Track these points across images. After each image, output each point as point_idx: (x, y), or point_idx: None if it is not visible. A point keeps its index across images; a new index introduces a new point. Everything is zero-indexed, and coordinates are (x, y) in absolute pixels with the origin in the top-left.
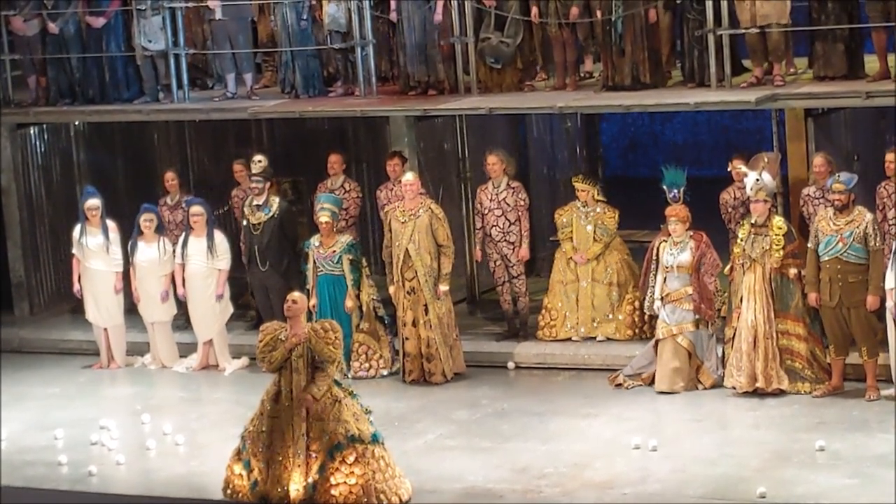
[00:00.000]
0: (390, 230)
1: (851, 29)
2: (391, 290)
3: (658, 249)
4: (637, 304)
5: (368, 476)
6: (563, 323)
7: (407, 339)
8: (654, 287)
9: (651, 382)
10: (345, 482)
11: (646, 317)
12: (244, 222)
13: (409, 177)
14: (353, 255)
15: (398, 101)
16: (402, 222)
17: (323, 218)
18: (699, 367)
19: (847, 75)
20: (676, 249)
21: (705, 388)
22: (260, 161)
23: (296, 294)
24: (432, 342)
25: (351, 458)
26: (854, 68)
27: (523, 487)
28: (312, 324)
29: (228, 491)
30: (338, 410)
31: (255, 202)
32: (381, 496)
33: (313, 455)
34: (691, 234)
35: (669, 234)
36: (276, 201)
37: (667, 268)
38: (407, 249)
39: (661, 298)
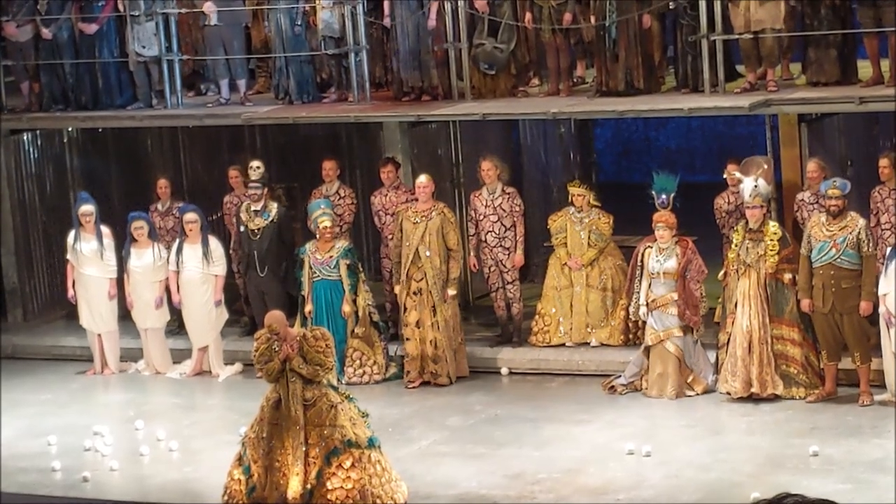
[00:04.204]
0: (401, 230)
1: (844, 35)
2: (397, 289)
3: (643, 255)
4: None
5: (365, 480)
6: (557, 329)
7: (408, 339)
8: (639, 293)
9: (641, 388)
10: (341, 487)
11: (640, 322)
12: (241, 228)
13: (423, 179)
14: (351, 261)
15: (392, 106)
16: (414, 223)
17: (327, 223)
18: (689, 372)
19: (840, 81)
20: (662, 256)
21: (697, 394)
22: (258, 167)
23: (273, 322)
24: (440, 344)
25: (347, 463)
26: (847, 74)
27: (517, 493)
28: (304, 330)
29: (226, 497)
30: (334, 415)
31: (253, 208)
32: (377, 501)
33: (312, 461)
34: (677, 240)
35: (655, 240)
36: (274, 207)
37: (652, 274)
38: (417, 251)
39: (647, 304)
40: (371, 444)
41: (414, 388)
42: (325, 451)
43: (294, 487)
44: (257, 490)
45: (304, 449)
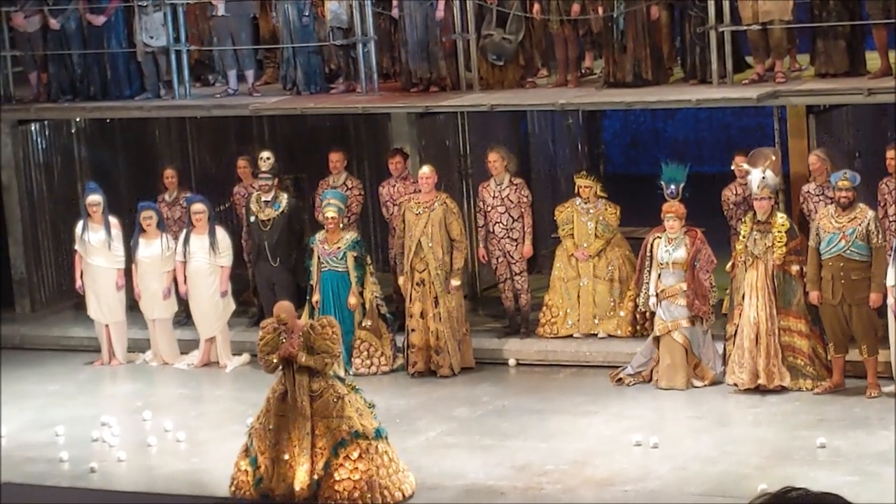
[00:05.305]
0: (403, 221)
1: (853, 26)
2: (401, 280)
3: (652, 246)
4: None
5: (372, 472)
6: (564, 320)
7: (413, 330)
8: (648, 284)
9: (651, 379)
10: (349, 478)
11: (647, 313)
12: (251, 219)
13: (426, 170)
14: (358, 252)
15: (400, 97)
16: (417, 214)
17: (330, 213)
18: (697, 363)
19: (848, 72)
20: (671, 246)
21: (704, 385)
22: (268, 158)
23: (282, 313)
24: (441, 335)
25: (355, 454)
26: (855, 65)
27: (524, 484)
28: (311, 321)
29: (233, 487)
30: (341, 407)
31: (263, 198)
32: (385, 491)
33: (319, 452)
34: (686, 230)
35: (664, 230)
36: (284, 197)
37: (662, 264)
38: (419, 241)
39: (656, 295)
40: (378, 434)
41: (418, 374)
42: (332, 442)
43: (301, 479)
44: (264, 481)
45: (310, 440)
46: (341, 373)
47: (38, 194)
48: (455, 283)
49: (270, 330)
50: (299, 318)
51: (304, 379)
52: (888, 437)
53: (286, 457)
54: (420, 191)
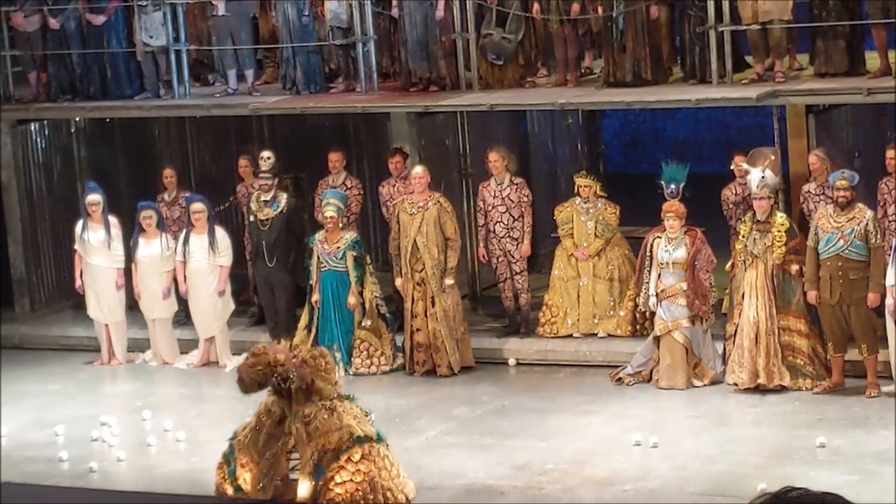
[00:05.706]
0: (398, 222)
1: (852, 26)
2: (398, 282)
3: (651, 246)
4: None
5: (374, 473)
6: (564, 319)
7: (418, 329)
8: (648, 283)
9: (651, 379)
10: (351, 479)
11: (647, 313)
12: (250, 218)
13: (419, 170)
14: (357, 252)
15: (399, 97)
16: (411, 214)
17: (329, 212)
18: (697, 363)
19: (848, 72)
20: (672, 246)
21: (704, 385)
22: (269, 157)
23: (280, 354)
24: (438, 334)
25: (356, 456)
26: (855, 65)
27: (524, 484)
28: (301, 362)
29: (220, 491)
30: (337, 418)
31: (262, 198)
32: (388, 493)
33: (322, 468)
34: (686, 230)
35: (664, 230)
36: (284, 197)
37: (662, 264)
38: (415, 241)
39: (656, 294)
40: (379, 438)
41: (424, 373)
42: (335, 451)
43: (302, 494)
44: (242, 492)
45: (313, 463)
46: (342, 372)
47: (38, 194)
48: (449, 281)
49: (266, 370)
50: (299, 317)
51: (300, 409)
52: (888, 436)
53: (269, 475)
54: (415, 191)
